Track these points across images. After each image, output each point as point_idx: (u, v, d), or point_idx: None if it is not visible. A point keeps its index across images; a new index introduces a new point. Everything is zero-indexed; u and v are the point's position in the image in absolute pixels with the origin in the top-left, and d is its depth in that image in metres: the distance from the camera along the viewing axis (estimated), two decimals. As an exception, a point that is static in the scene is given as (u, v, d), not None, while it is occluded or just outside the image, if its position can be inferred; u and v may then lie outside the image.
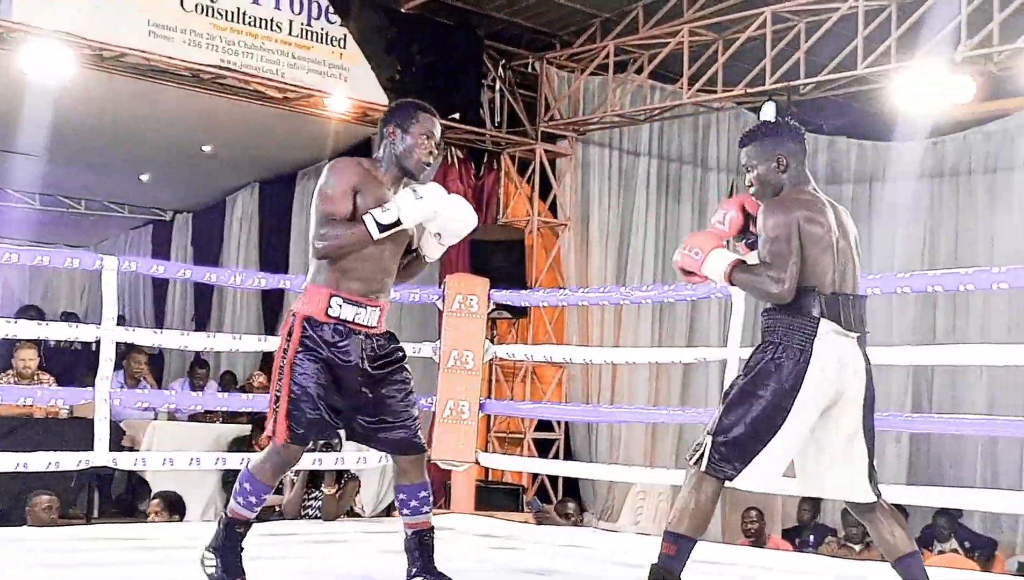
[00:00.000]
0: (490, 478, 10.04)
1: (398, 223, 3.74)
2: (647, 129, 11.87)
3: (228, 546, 3.89)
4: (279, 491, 7.54)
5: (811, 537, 9.66)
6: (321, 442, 4.30)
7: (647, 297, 7.04)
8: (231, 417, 9.23)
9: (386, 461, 7.19)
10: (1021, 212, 10.91)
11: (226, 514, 3.92)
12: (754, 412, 3.53)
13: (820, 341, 3.54)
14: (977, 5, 8.65)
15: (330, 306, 3.79)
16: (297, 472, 7.10)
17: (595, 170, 11.72)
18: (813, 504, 10.07)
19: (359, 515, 7.74)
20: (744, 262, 3.64)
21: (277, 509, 7.27)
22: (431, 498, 4.02)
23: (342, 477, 6.98)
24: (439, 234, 3.93)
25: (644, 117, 11.27)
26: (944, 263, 11.04)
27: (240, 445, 8.20)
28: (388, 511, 8.80)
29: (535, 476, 10.74)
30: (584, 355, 8.55)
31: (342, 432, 3.99)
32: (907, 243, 11.39)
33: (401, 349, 3.98)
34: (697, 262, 3.68)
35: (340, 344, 3.79)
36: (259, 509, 3.93)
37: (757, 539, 8.85)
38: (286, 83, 9.56)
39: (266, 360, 12.30)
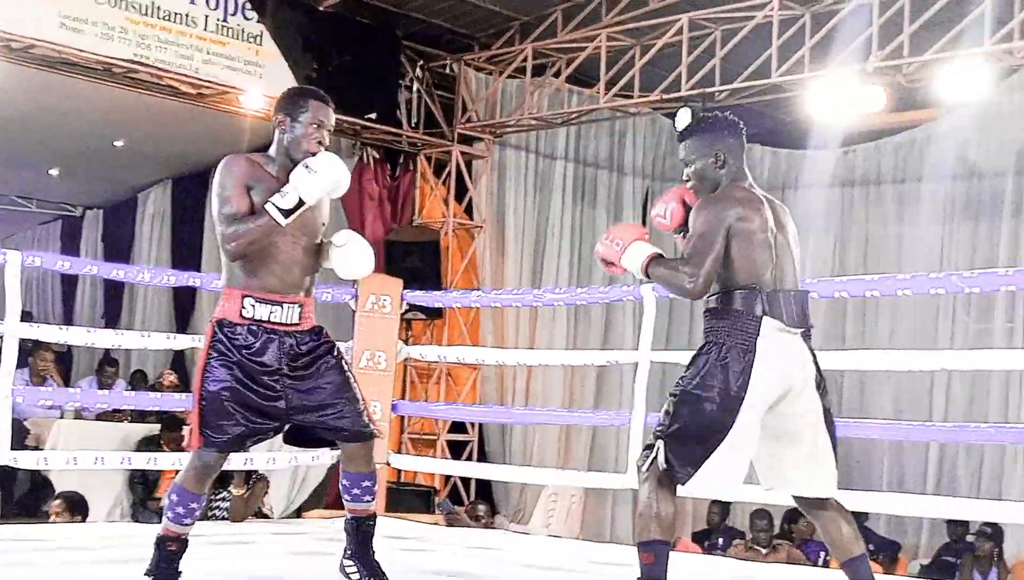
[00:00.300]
0: (402, 480, 9.99)
1: (301, 204, 3.66)
2: (564, 133, 11.92)
3: (163, 567, 3.80)
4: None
5: (720, 540, 9.75)
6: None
7: (560, 299, 7.05)
8: (140, 416, 9.09)
9: (296, 462, 7.15)
10: (929, 221, 11.13)
11: (158, 534, 3.84)
12: (702, 414, 3.48)
13: (764, 339, 3.50)
14: (888, 17, 8.81)
15: (243, 307, 3.73)
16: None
17: (511, 173, 11.74)
18: (722, 507, 10.18)
19: (267, 516, 7.66)
20: (662, 256, 3.60)
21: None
22: (374, 487, 3.98)
23: (250, 478, 6.91)
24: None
25: (561, 121, 11.30)
26: (854, 270, 11.21)
27: (148, 445, 8.08)
28: (299, 513, 8.74)
29: (448, 478, 10.72)
30: (497, 357, 8.54)
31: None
32: (818, 250, 11.56)
33: (329, 341, 3.88)
34: (617, 253, 3.64)
35: (255, 346, 3.73)
36: (190, 523, 3.82)
37: (668, 541, 8.90)
38: (200, 79, 9.44)
39: (177, 359, 12.18)
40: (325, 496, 9.31)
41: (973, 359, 7.80)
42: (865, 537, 10.33)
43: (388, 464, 7.12)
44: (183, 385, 11.14)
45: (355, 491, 3.93)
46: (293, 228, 3.73)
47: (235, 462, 6.47)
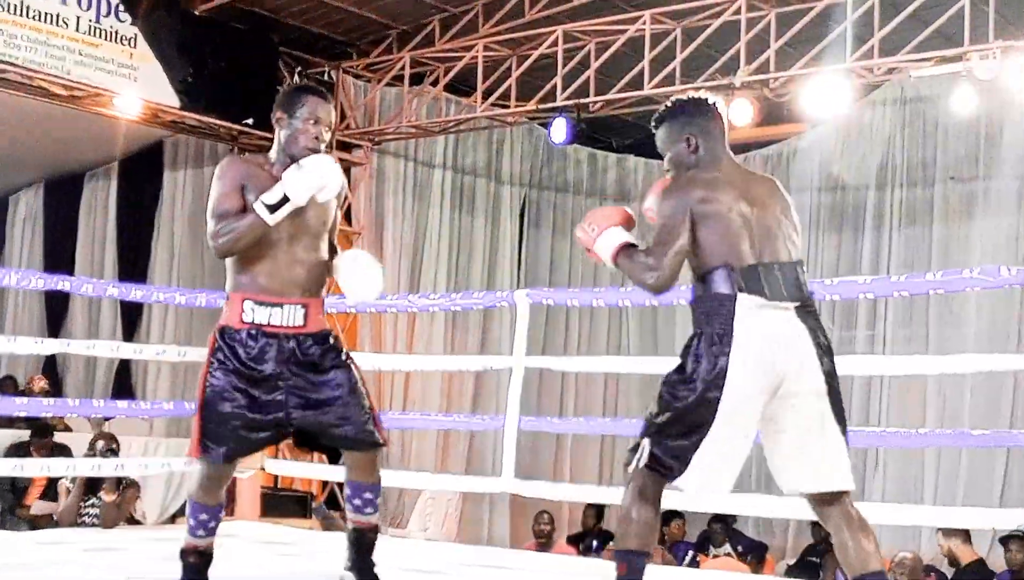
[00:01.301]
0: (279, 485, 9.97)
1: (286, 200, 3.57)
2: (442, 141, 12.00)
3: (188, 579, 3.79)
4: (54, 498, 7.35)
5: (595, 542, 9.92)
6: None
7: (435, 305, 7.14)
8: (9, 422, 8.91)
9: (170, 467, 7.11)
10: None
11: (181, 547, 3.81)
12: (683, 409, 3.22)
13: (741, 322, 3.21)
14: (755, 33, 9.09)
15: (243, 311, 3.64)
16: (73, 479, 6.94)
17: (390, 180, 11.79)
18: (597, 510, 10.36)
19: (140, 523, 7.59)
20: (632, 246, 3.36)
21: (54, 517, 7.07)
22: (377, 499, 3.88)
23: (121, 483, 6.85)
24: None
25: (439, 129, 11.39)
26: (724, 278, 11.48)
27: (17, 451, 7.94)
28: (173, 519, 8.65)
29: (325, 483, 10.70)
30: (374, 362, 8.57)
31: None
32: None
33: (338, 345, 3.78)
34: (591, 238, 3.42)
35: (255, 352, 3.64)
36: (204, 534, 3.77)
37: (547, 542, 9.03)
38: (72, 81, 9.32)
39: (49, 364, 11.96)
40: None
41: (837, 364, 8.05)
42: (734, 539, 10.57)
43: (263, 469, 7.12)
44: (54, 390, 10.96)
45: (356, 502, 3.86)
46: (290, 226, 3.65)
47: (106, 468, 6.43)
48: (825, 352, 3.28)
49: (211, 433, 3.63)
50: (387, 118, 11.37)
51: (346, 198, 11.43)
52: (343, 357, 3.78)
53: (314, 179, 3.59)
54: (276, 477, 9.47)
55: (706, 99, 3.47)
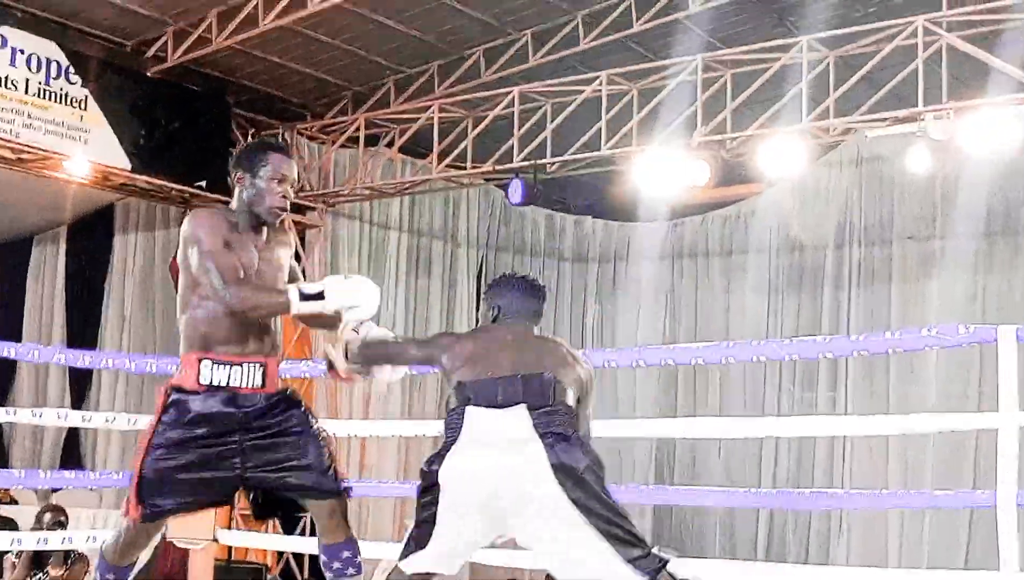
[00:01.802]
0: (233, 557, 9.71)
1: (320, 298, 3.55)
2: (398, 203, 11.92)
3: None
4: (-2, 573, 7.10)
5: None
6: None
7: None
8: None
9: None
10: (754, 292, 11.45)
11: None
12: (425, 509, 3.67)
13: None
14: (711, 94, 9.09)
15: (200, 372, 3.55)
16: (19, 553, 6.70)
17: (345, 242, 11.66)
18: None
19: (88, 598, 7.34)
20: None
21: (-3, 593, 6.82)
22: (356, 558, 3.71)
23: (69, 557, 6.62)
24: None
25: (394, 191, 11.30)
26: (684, 339, 11.44)
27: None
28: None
29: (280, 553, 10.46)
30: (328, 428, 8.40)
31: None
32: (649, 320, 11.77)
33: (292, 398, 3.68)
34: None
35: (211, 411, 3.54)
36: None
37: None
38: (21, 143, 9.16)
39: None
40: (153, 572, 8.99)
41: (799, 426, 8.00)
42: (697, 603, 10.30)
43: (216, 540, 6.91)
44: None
45: (336, 565, 3.70)
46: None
47: (53, 541, 6.21)
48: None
49: (151, 489, 3.54)
50: (342, 180, 11.27)
51: (300, 260, 11.32)
52: (303, 413, 3.68)
53: (353, 297, 3.60)
54: (230, 548, 9.23)
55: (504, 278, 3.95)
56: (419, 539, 3.54)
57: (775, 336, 10.79)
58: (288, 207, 3.70)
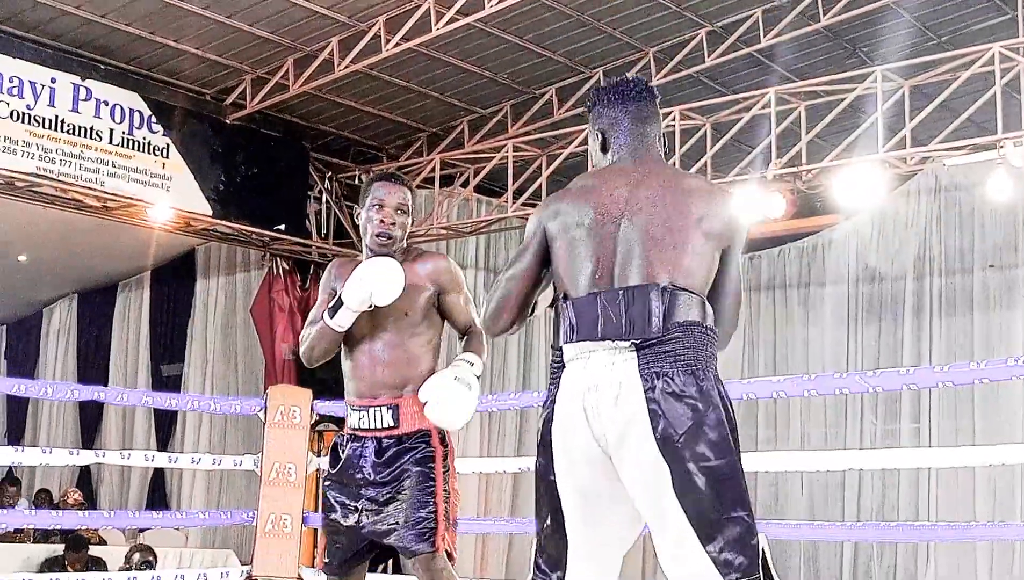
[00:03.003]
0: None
1: (340, 304, 3.44)
2: (473, 242, 11.99)
3: None
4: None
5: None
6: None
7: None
8: (44, 537, 8.83)
9: (206, 578, 6.98)
10: (833, 324, 11.34)
11: None
12: (540, 504, 2.64)
13: (568, 372, 2.63)
14: (786, 126, 9.06)
15: (348, 416, 3.58)
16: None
17: (422, 282, 11.74)
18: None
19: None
20: None
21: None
22: None
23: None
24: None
25: (470, 230, 11.38)
26: (763, 373, 11.35)
27: (51, 566, 7.83)
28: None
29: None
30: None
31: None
32: (728, 353, 11.66)
33: (418, 446, 3.48)
34: None
35: (351, 458, 3.52)
36: None
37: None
38: (106, 192, 9.38)
39: (83, 476, 11.90)
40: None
41: (884, 459, 7.90)
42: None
43: (299, 578, 6.98)
44: (89, 502, 10.88)
45: None
46: (365, 327, 3.50)
47: (141, 582, 6.32)
48: (660, 406, 2.48)
49: (326, 544, 3.59)
50: (418, 220, 11.36)
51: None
52: (426, 457, 3.48)
53: (361, 285, 3.42)
54: (312, 586, 9.30)
55: (619, 81, 2.85)
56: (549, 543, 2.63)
57: (855, 367, 10.68)
58: (393, 233, 3.55)
